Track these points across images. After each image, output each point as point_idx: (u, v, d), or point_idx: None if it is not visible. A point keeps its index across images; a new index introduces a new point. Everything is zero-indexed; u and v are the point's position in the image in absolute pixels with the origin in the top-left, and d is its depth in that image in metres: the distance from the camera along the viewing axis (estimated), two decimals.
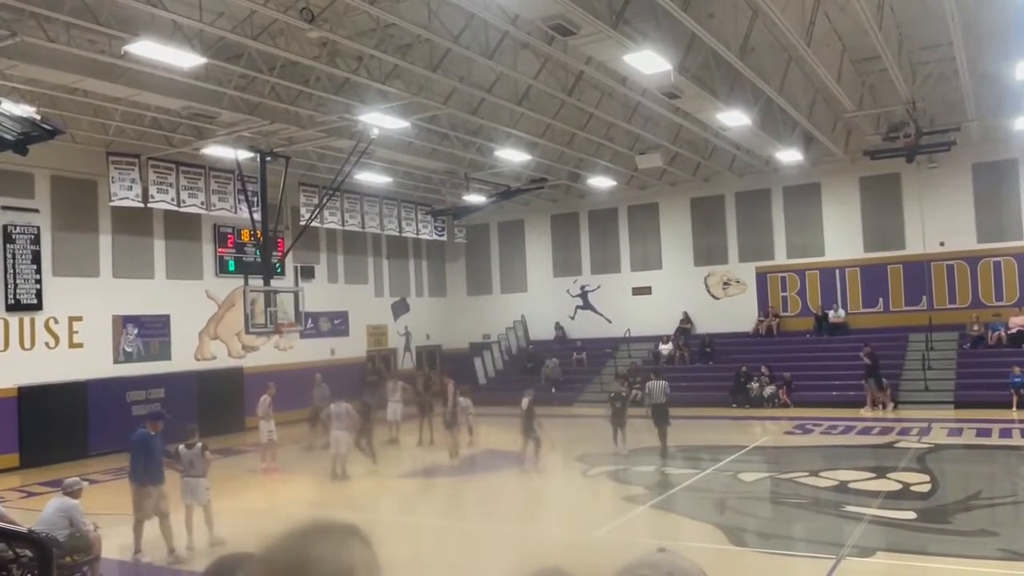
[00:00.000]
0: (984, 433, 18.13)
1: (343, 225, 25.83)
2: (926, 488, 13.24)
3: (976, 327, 23.74)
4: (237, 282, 22.45)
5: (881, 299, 25.99)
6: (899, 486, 13.28)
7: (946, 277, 25.06)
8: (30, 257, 19.13)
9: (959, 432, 18.70)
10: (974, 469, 15.25)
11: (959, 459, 16.27)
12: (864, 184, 26.07)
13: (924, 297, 25.21)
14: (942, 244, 24.87)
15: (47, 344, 19.46)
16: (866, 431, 19.15)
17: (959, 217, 24.74)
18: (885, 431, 18.90)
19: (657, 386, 17.63)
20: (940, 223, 24.81)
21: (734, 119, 17.94)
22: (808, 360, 24.83)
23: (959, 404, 21.42)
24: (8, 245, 18.74)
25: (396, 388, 20.75)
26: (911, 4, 14.67)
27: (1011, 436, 17.86)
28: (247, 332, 19.58)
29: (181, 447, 11.32)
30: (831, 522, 11.69)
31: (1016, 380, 21.01)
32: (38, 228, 19.36)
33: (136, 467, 10.82)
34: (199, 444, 11.36)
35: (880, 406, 22.10)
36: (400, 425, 20.34)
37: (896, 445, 17.24)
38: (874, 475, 14.22)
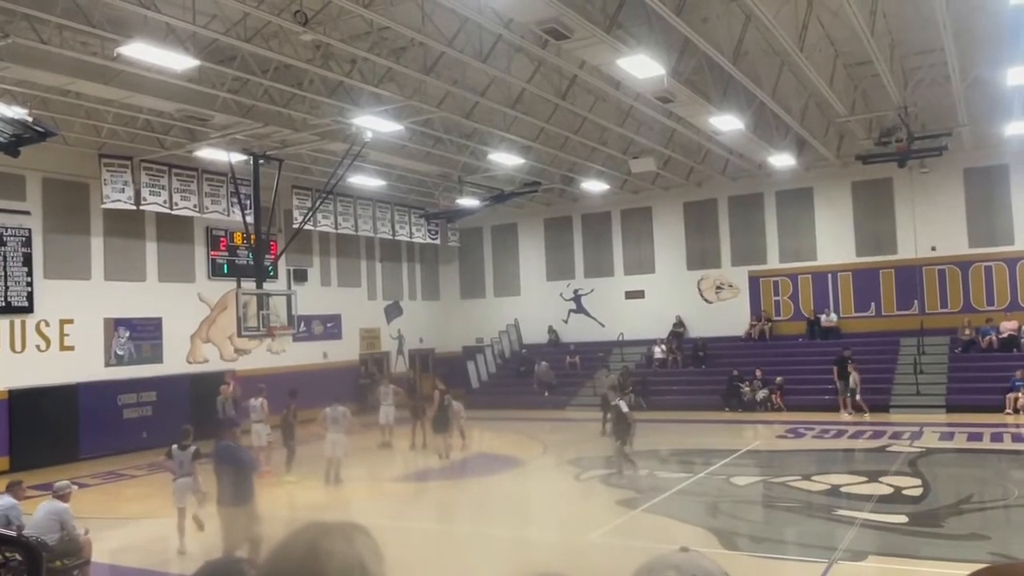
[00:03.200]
0: (975, 437, 18.20)
1: (336, 228, 25.81)
2: (918, 492, 13.26)
3: (968, 331, 23.82)
4: (230, 285, 22.40)
5: (873, 303, 26.07)
6: (891, 490, 13.30)
7: (938, 282, 25.15)
8: (21, 259, 19.04)
9: (951, 436, 18.76)
10: (966, 473, 15.30)
11: (951, 463, 16.30)
12: (856, 189, 26.16)
13: (916, 301, 25.29)
14: (934, 249, 24.96)
15: (38, 347, 19.37)
16: (858, 435, 19.20)
17: (951, 222, 24.84)
18: (877, 435, 18.94)
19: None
20: (932, 228, 24.90)
21: (727, 123, 17.98)
22: (800, 364, 24.89)
23: (951, 408, 21.48)
24: None
25: (389, 392, 20.70)
26: (903, 10, 14.75)
27: (1002, 440, 17.92)
28: (239, 335, 19.50)
29: (174, 448, 11.28)
30: (823, 526, 11.71)
31: (1019, 383, 20.99)
32: (29, 230, 19.26)
33: (222, 486, 9.39)
34: (192, 447, 11.30)
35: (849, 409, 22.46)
36: (393, 429, 20.30)
37: (888, 449, 17.28)
38: (866, 479, 14.24)
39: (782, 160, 22.81)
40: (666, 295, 29.06)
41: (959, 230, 24.83)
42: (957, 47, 14.86)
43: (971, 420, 20.00)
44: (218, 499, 9.43)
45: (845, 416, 22.03)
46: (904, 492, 13.16)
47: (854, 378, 22.34)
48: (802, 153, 23.70)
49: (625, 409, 15.42)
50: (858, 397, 22.35)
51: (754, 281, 27.88)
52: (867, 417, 21.74)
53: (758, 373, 24.44)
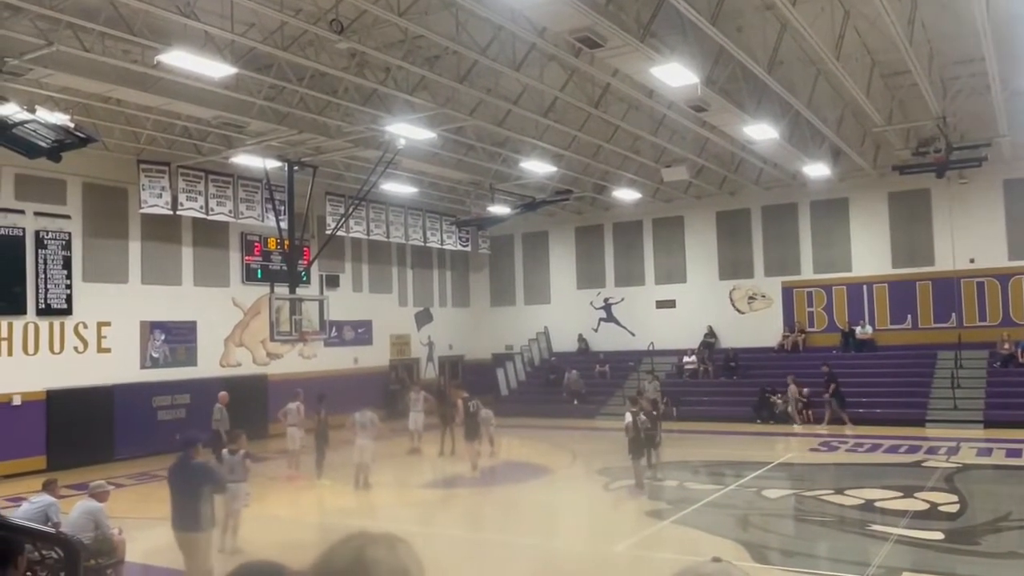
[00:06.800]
0: (1014, 453, 17.80)
1: (368, 235, 26.01)
2: (954, 508, 13.01)
3: (1007, 345, 23.35)
4: (263, 290, 22.65)
5: (910, 316, 25.66)
6: (927, 506, 13.06)
7: (976, 294, 24.69)
8: (61, 262, 19.43)
9: (988, 452, 18.37)
10: (1004, 490, 14.98)
11: (988, 479, 15.98)
12: (893, 199, 25.80)
13: (953, 314, 24.85)
14: (972, 261, 24.52)
15: (76, 349, 19.73)
16: (893, 449, 18.88)
17: (989, 234, 24.39)
18: (912, 450, 18.62)
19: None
20: (970, 239, 24.47)
21: (761, 133, 17.83)
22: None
23: (988, 423, 21.05)
24: (40, 250, 19.05)
25: (419, 398, 20.77)
26: (943, 19, 14.53)
27: None
28: (272, 339, 19.72)
29: (225, 452, 11.46)
30: (856, 541, 11.52)
31: None
32: (69, 234, 19.66)
33: (176, 507, 8.62)
34: (242, 451, 11.45)
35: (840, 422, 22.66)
36: (422, 435, 20.36)
37: (924, 464, 16.98)
38: (901, 494, 13.98)
39: (817, 170, 22.56)
40: (698, 305, 28.85)
41: (998, 242, 24.37)
42: (998, 57, 14.60)
43: (1010, 436, 19.56)
44: (172, 522, 8.62)
45: (796, 428, 22.88)
46: (940, 508, 12.92)
47: (792, 391, 23.60)
48: (837, 163, 23.43)
49: (628, 420, 15.25)
50: (791, 409, 23.56)
51: (787, 292, 27.58)
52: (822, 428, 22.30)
53: (792, 385, 24.15)
